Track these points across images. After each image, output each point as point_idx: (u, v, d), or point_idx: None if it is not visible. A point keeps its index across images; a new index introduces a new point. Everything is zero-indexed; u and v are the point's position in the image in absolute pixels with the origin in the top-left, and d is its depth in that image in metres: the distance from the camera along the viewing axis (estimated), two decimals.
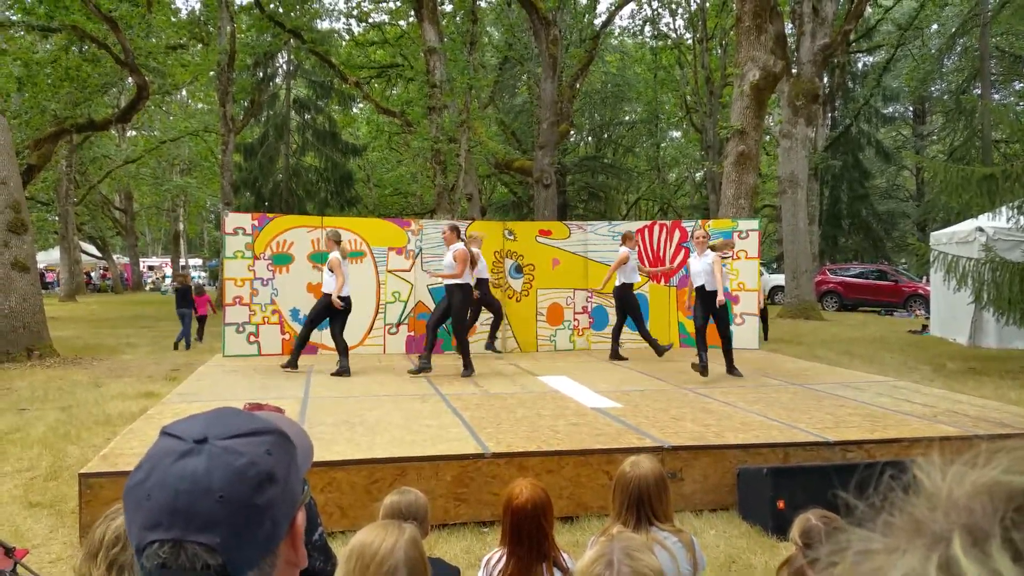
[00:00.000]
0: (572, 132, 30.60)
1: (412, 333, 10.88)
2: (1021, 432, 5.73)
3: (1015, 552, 0.39)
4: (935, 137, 35.48)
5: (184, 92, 32.55)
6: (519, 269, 11.31)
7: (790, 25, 22.22)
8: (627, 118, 37.69)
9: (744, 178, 14.25)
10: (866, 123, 32.92)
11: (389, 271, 10.84)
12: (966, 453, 0.46)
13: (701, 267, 8.64)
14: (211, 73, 22.24)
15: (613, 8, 26.24)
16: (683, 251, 11.43)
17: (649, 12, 31.16)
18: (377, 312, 10.79)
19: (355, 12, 25.61)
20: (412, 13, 19.84)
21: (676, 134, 38.22)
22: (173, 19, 21.89)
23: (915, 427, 5.88)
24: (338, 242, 8.83)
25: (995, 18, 24.14)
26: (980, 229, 13.53)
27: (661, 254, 11.67)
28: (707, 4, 29.38)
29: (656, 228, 11.85)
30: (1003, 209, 11.57)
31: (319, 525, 2.64)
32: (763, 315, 15.18)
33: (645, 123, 35.88)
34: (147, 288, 41.92)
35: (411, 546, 1.80)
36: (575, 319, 11.52)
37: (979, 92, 26.54)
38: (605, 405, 6.81)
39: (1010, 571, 0.38)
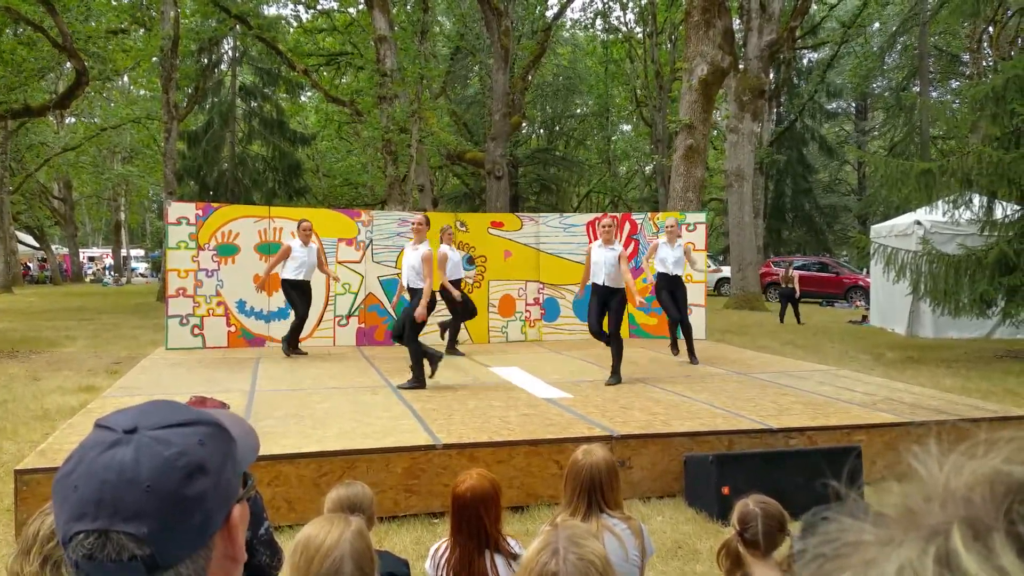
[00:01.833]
0: (524, 124, 30.62)
1: (362, 325, 10.78)
2: (956, 418, 5.94)
3: (1021, 547, 0.37)
4: (876, 133, 36.48)
5: (126, 78, 31.62)
6: (471, 261, 11.30)
7: (738, 21, 22.59)
8: (578, 111, 37.87)
9: (692, 172, 14.46)
10: (810, 118, 33.69)
11: (339, 262, 10.72)
12: (965, 441, 0.43)
13: (677, 256, 9.07)
14: (154, 59, 21.66)
15: (564, 1, 26.31)
16: (633, 243, 11.55)
17: (600, 5, 31.36)
18: (327, 304, 10.67)
19: None
20: (362, 1, 19.59)
21: (627, 127, 38.54)
22: (114, 2, 21.25)
23: (855, 414, 6.06)
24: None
25: (933, 18, 24.89)
26: (918, 222, 13.96)
27: None
28: None
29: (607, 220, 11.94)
30: (940, 203, 11.96)
31: (265, 519, 2.61)
32: (795, 301, 17.12)
33: (596, 116, 36.10)
34: (87, 279, 40.72)
35: (357, 538, 1.79)
36: (527, 310, 11.56)
37: (918, 89, 27.35)
38: (556, 395, 6.86)
39: (1015, 567, 0.36)
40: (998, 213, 11.77)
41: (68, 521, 0.77)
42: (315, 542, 1.76)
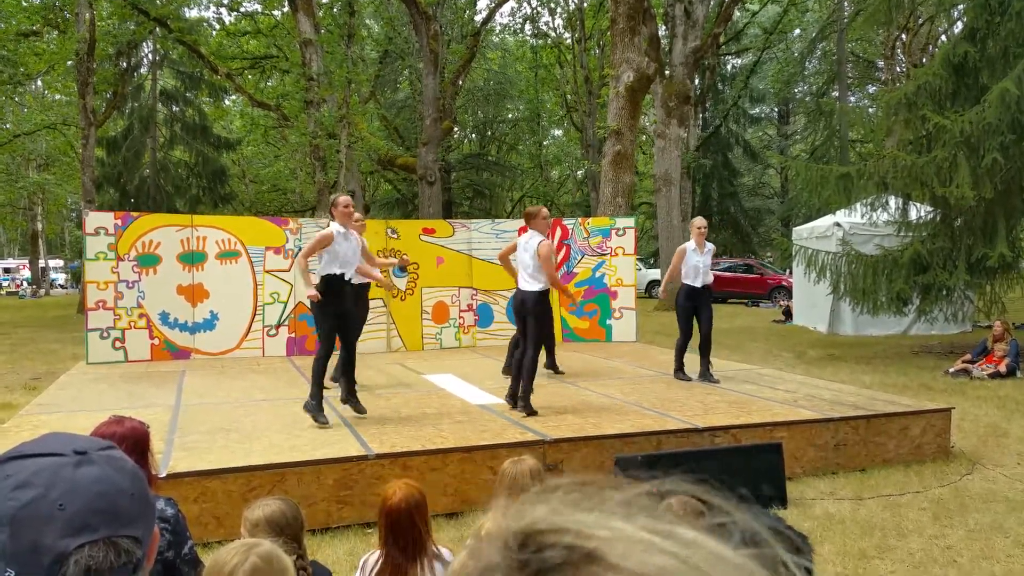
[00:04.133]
0: (456, 129, 30.58)
1: (292, 335, 10.60)
2: (872, 414, 6.19)
3: None
4: (798, 137, 37.63)
5: (39, 82, 30.33)
6: (403, 268, 11.21)
7: (663, 28, 23.05)
8: (510, 115, 38.01)
9: (621, 177, 14.69)
10: (735, 123, 34.54)
11: (267, 271, 10.51)
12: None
13: (704, 261, 8.46)
14: (69, 63, 20.82)
15: (493, 5, 26.39)
16: (565, 248, 11.66)
17: (529, 10, 31.54)
18: (255, 314, 10.45)
19: (226, 0, 24.60)
20: (286, 3, 19.27)
21: (558, 132, 38.88)
22: (24, 3, 20.38)
23: (777, 412, 6.26)
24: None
25: (850, 25, 25.86)
26: (837, 224, 14.46)
27: None
28: (584, 4, 30.01)
29: None
30: (858, 205, 12.43)
31: (188, 538, 2.57)
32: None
33: (527, 121, 36.29)
34: (2, 292, 38.92)
35: (263, 562, 1.78)
36: (460, 317, 11.54)
37: (837, 95, 28.37)
38: (490, 401, 6.88)
39: None
40: (912, 215, 12.31)
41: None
42: (219, 569, 1.75)
